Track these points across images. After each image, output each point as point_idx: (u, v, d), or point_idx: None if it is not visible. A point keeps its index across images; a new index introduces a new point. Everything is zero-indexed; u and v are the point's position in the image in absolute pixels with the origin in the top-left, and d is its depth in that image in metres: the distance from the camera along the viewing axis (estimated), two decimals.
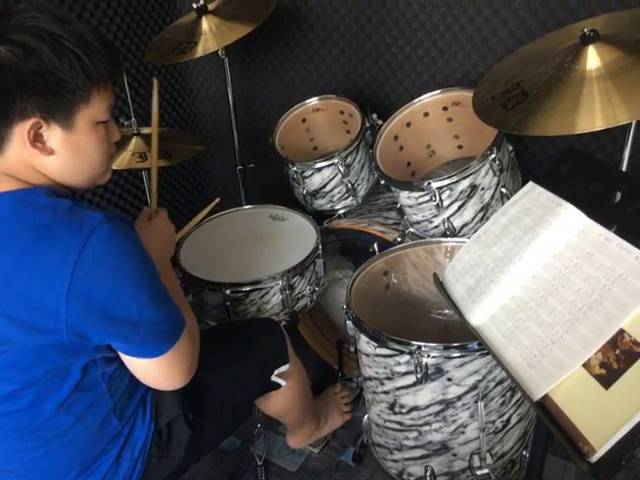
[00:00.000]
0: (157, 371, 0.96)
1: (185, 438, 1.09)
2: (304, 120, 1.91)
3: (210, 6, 1.76)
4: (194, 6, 1.72)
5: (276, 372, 1.30)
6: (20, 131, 0.84)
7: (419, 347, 1.10)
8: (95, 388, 0.96)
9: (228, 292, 1.40)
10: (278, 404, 1.38)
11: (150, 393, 1.08)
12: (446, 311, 1.48)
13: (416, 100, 1.63)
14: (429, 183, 1.40)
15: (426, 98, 1.62)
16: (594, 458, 0.74)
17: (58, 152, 0.88)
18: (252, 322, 1.42)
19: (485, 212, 1.46)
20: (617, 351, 0.79)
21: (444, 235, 1.50)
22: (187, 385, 1.01)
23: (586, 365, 0.81)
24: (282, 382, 1.31)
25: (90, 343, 0.89)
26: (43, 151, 0.87)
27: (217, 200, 1.42)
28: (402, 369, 1.15)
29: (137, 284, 0.88)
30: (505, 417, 1.18)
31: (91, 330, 0.86)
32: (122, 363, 0.97)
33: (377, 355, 1.19)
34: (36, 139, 0.85)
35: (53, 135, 0.86)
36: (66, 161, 0.89)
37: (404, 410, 1.20)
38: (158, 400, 1.09)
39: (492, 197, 1.45)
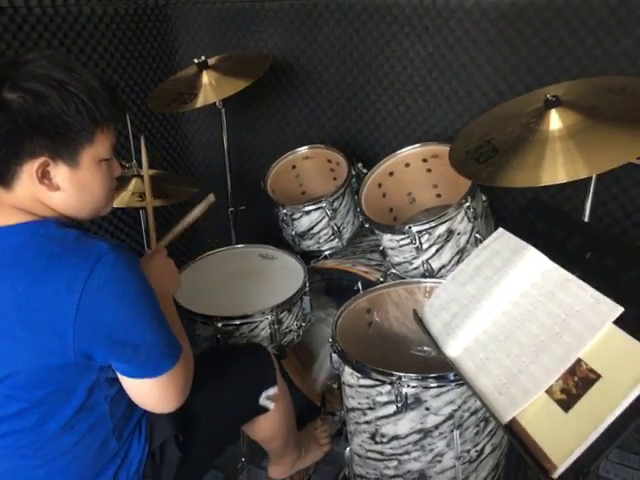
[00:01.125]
0: (153, 393, 1.01)
1: (175, 460, 1.14)
2: (294, 167, 2.04)
3: (210, 61, 1.90)
4: (195, 61, 1.87)
5: (264, 395, 1.34)
6: (29, 169, 0.91)
7: (399, 377, 1.18)
8: (97, 409, 1.02)
9: (219, 325, 1.47)
10: (264, 428, 1.42)
11: (145, 416, 1.13)
12: (425, 348, 1.56)
13: (398, 152, 1.77)
14: (410, 227, 1.52)
15: (407, 150, 1.76)
16: (556, 474, 0.81)
17: (64, 188, 0.95)
18: (241, 347, 1.48)
19: (461, 255, 1.58)
20: (575, 378, 0.88)
21: (423, 276, 1.60)
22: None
23: (549, 391, 0.90)
24: (270, 405, 1.35)
25: (95, 364, 0.95)
26: (50, 187, 0.93)
27: (212, 197, 1.44)
28: (383, 399, 1.23)
29: (139, 309, 0.95)
30: (479, 447, 1.25)
31: (96, 351, 0.93)
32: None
33: (360, 386, 1.26)
34: (44, 176, 0.92)
35: (60, 173, 0.93)
36: (71, 196, 0.96)
37: (385, 439, 1.27)
38: (152, 422, 1.14)
39: (467, 241, 1.56)
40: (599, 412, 0.82)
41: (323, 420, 1.80)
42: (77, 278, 0.88)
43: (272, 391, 1.36)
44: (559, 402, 0.88)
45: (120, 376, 1.00)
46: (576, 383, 0.88)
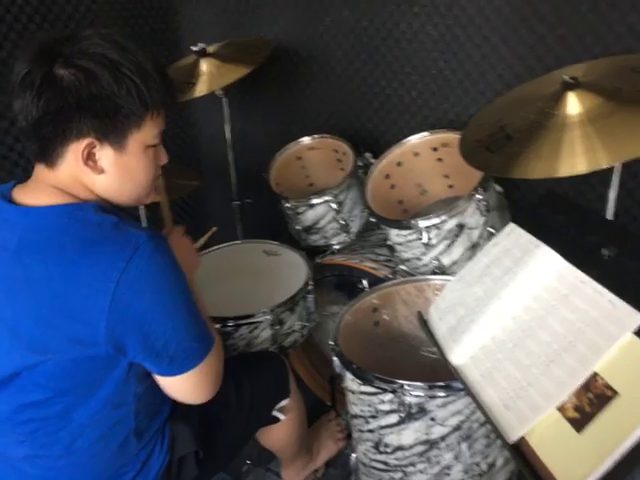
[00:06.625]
0: (185, 386, 0.99)
1: (192, 477, 1.10)
2: (300, 158, 1.96)
3: (210, 49, 1.83)
4: (193, 49, 1.79)
5: (277, 407, 1.31)
6: (75, 149, 0.89)
7: (402, 385, 1.11)
8: (124, 407, 0.98)
9: (217, 326, 1.41)
10: (277, 437, 1.39)
11: (169, 424, 1.09)
12: (435, 349, 1.48)
13: (405, 140, 1.66)
14: (417, 222, 1.43)
15: (415, 139, 1.66)
16: None
17: (108, 171, 0.92)
18: (257, 355, 1.43)
19: (474, 251, 1.48)
20: (590, 394, 0.79)
21: (433, 273, 1.51)
22: (203, 421, 1.05)
23: (560, 408, 0.82)
24: (282, 417, 1.32)
25: (125, 357, 0.91)
26: (94, 169, 0.91)
27: (214, 229, 1.42)
28: (386, 407, 1.15)
29: (173, 302, 0.92)
30: (490, 459, 1.17)
31: (128, 343, 0.89)
32: (152, 383, 0.99)
33: (362, 392, 1.19)
34: (89, 158, 0.90)
35: (105, 155, 0.91)
36: (114, 180, 0.94)
37: (389, 450, 1.20)
38: (176, 432, 1.10)
39: (480, 236, 1.46)
40: (615, 435, 0.74)
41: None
42: (114, 267, 0.85)
43: (284, 402, 1.33)
44: (571, 421, 0.80)
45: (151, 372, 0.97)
46: (590, 400, 0.79)
